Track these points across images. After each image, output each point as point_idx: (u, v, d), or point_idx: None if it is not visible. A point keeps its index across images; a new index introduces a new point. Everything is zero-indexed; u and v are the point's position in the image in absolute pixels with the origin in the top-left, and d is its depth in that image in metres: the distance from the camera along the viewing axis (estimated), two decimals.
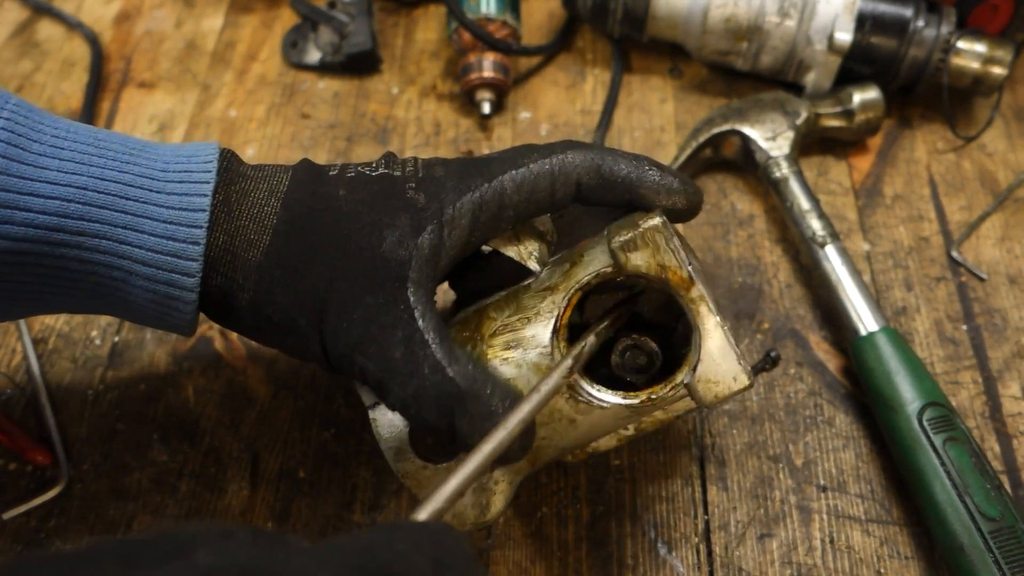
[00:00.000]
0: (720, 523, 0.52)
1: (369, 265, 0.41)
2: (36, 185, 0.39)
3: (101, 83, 0.74)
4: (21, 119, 0.41)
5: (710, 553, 0.51)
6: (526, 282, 0.44)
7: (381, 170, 0.43)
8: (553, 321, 0.42)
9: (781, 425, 0.55)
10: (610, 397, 0.41)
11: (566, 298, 0.42)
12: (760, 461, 0.54)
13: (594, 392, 0.41)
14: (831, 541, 0.51)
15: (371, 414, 0.44)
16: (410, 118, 0.71)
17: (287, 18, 0.78)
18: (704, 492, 0.53)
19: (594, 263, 0.42)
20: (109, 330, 0.60)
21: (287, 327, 0.42)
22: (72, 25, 0.78)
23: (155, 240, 0.41)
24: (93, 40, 0.76)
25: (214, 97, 0.73)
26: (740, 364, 0.39)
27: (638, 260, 0.40)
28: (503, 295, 0.44)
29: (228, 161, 0.44)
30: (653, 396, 0.41)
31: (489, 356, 0.42)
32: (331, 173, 0.44)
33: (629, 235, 0.40)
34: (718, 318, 0.39)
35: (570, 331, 0.43)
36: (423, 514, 0.34)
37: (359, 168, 0.44)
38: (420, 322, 0.40)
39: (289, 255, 0.41)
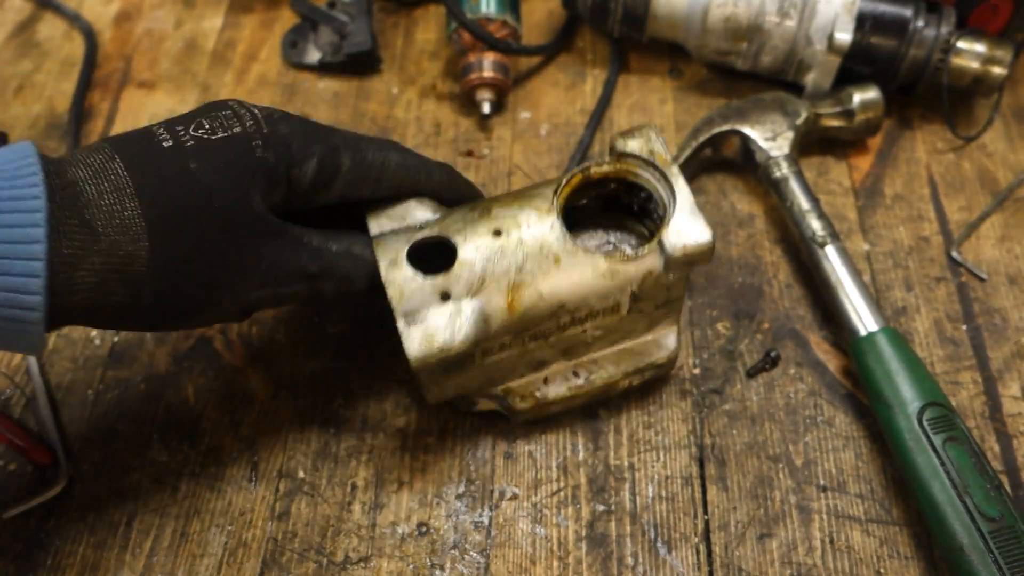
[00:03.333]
0: (720, 523, 0.52)
1: (250, 224, 0.43)
2: None
3: (101, 83, 0.74)
4: None
5: (710, 553, 0.51)
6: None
7: (220, 133, 0.43)
8: (554, 188, 0.50)
9: (781, 425, 0.55)
10: (592, 243, 0.55)
11: (565, 179, 0.50)
12: (760, 461, 0.54)
13: (580, 238, 0.50)
14: (831, 541, 0.51)
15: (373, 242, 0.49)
16: (410, 118, 0.71)
17: (287, 18, 0.78)
18: (704, 492, 0.53)
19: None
20: (109, 330, 0.60)
21: (195, 307, 0.43)
22: (70, 18, 0.78)
23: None
24: (88, 33, 0.77)
25: (214, 97, 0.73)
26: (705, 224, 0.48)
27: (633, 145, 0.50)
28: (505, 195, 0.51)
29: (48, 172, 0.39)
30: (628, 251, 0.47)
31: (493, 211, 0.49)
32: (167, 144, 0.42)
33: (628, 130, 0.51)
34: (689, 188, 0.49)
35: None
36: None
37: (195, 133, 0.43)
38: (311, 238, 0.46)
39: (176, 255, 0.41)
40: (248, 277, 0.44)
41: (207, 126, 0.43)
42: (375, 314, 0.58)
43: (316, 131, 0.46)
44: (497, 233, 0.48)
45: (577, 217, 0.54)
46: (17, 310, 0.38)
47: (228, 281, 0.43)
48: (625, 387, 0.54)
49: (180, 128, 0.43)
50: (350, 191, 0.47)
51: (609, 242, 0.55)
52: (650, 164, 0.50)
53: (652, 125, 0.52)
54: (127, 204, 0.40)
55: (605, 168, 0.51)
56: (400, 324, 0.46)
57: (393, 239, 0.48)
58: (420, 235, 0.48)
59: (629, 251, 0.48)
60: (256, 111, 0.45)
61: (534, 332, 0.49)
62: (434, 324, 0.46)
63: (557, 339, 0.51)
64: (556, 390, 0.53)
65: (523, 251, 0.47)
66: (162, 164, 0.41)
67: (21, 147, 0.40)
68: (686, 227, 0.47)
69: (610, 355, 0.53)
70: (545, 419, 0.55)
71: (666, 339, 0.54)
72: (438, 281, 0.47)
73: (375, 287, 0.48)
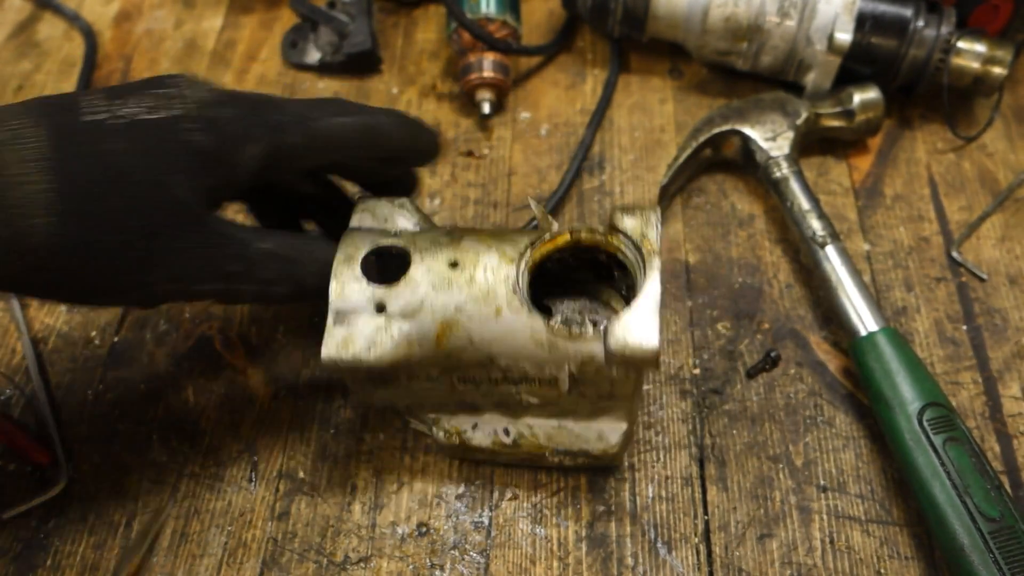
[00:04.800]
0: (720, 523, 0.52)
1: (168, 212, 0.41)
2: None
3: (101, 83, 0.74)
4: None
5: (710, 553, 0.51)
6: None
7: (154, 114, 0.41)
8: (531, 240, 0.48)
9: (781, 425, 0.55)
10: (566, 308, 0.52)
11: (549, 235, 0.48)
12: (760, 461, 0.54)
13: (527, 295, 0.46)
14: (831, 541, 0.51)
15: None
16: None
17: (287, 18, 0.78)
18: (704, 492, 0.53)
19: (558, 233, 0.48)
20: (109, 330, 0.60)
21: (96, 290, 0.42)
22: (70, 18, 0.78)
23: None
24: (88, 33, 0.77)
25: None
26: (656, 330, 0.43)
27: (628, 223, 0.47)
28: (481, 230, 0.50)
29: None
30: (570, 327, 0.45)
31: (463, 242, 0.47)
32: (95, 118, 0.40)
33: (632, 206, 0.48)
34: (659, 289, 0.45)
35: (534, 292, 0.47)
36: None
37: (129, 109, 0.41)
38: (236, 234, 0.44)
39: (78, 235, 0.39)
40: (155, 268, 0.42)
41: (146, 104, 0.41)
42: None
43: (264, 109, 0.45)
44: (454, 264, 0.46)
45: (564, 277, 0.52)
46: None
47: (132, 269, 0.41)
48: (555, 463, 0.51)
49: (118, 102, 0.41)
50: (310, 163, 0.47)
51: (582, 312, 0.53)
52: (636, 248, 0.47)
53: (657, 209, 0.48)
54: (34, 177, 0.38)
55: (597, 238, 0.48)
56: (328, 320, 0.46)
57: (362, 237, 0.48)
58: (385, 241, 0.48)
59: (575, 328, 0.45)
60: (204, 92, 0.43)
61: (462, 375, 0.47)
62: (358, 331, 0.45)
63: (488, 390, 0.48)
64: (482, 439, 0.51)
65: (469, 291, 0.45)
66: (84, 140, 0.40)
67: None
68: (637, 325, 0.43)
69: (548, 427, 0.50)
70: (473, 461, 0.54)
71: (610, 433, 0.50)
72: (379, 291, 0.46)
73: (320, 293, 0.46)
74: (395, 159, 0.51)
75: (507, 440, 0.50)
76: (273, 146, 0.44)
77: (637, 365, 0.44)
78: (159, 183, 0.41)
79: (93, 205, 0.39)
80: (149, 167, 0.41)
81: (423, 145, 0.51)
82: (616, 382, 0.46)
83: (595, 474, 0.54)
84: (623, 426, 0.50)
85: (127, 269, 0.41)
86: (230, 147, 0.43)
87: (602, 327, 0.45)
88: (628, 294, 0.50)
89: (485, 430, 0.51)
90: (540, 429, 0.50)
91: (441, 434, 0.51)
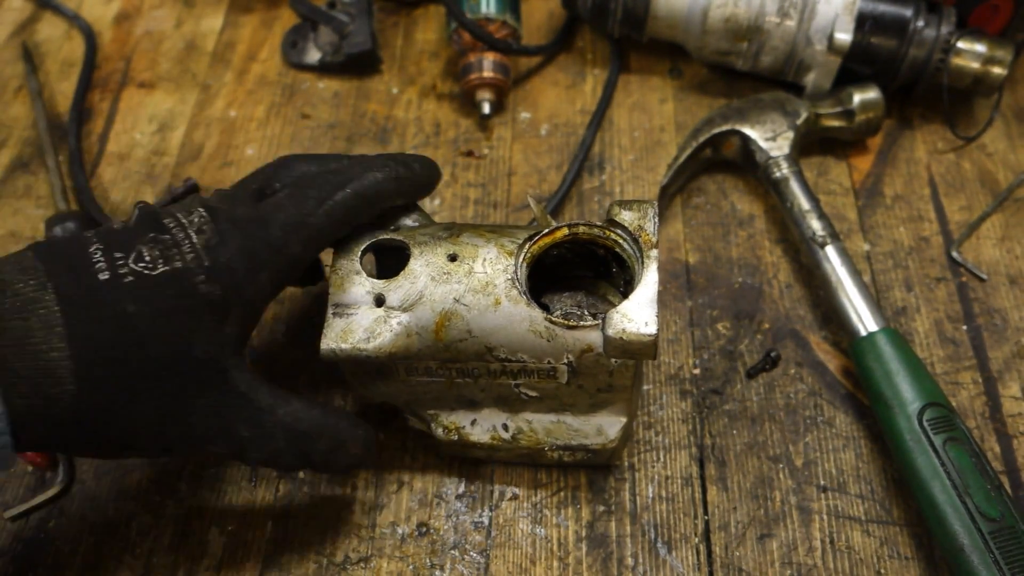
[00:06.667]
0: (720, 523, 0.52)
1: (187, 374, 0.41)
2: None
3: (101, 83, 0.74)
4: None
5: (710, 553, 0.51)
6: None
7: (161, 267, 0.40)
8: (530, 234, 0.48)
9: (781, 425, 0.55)
10: (563, 300, 0.52)
11: (547, 229, 0.48)
12: (760, 461, 0.54)
13: (525, 287, 0.46)
14: (831, 541, 0.51)
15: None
16: (410, 118, 0.71)
17: (287, 18, 0.78)
18: (704, 492, 0.53)
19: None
20: None
21: (114, 451, 0.42)
22: (70, 18, 0.78)
23: None
24: (88, 33, 0.77)
25: (214, 97, 0.73)
26: (655, 319, 0.44)
27: (626, 216, 0.48)
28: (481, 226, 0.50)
29: None
30: (569, 320, 0.46)
31: (462, 236, 0.48)
32: (103, 278, 0.39)
33: (629, 201, 0.49)
34: (657, 279, 0.45)
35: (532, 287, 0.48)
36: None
37: (134, 266, 0.40)
38: (255, 396, 0.43)
39: (100, 402, 0.39)
40: (172, 427, 0.42)
41: (147, 257, 0.40)
42: None
43: (256, 235, 0.43)
44: (452, 258, 0.47)
45: (563, 275, 0.53)
46: None
47: (151, 430, 0.41)
48: (554, 459, 0.51)
49: (119, 256, 0.40)
50: (314, 255, 0.46)
51: (580, 307, 0.52)
52: (634, 240, 0.47)
53: (654, 202, 0.49)
54: (55, 345, 0.38)
55: (595, 232, 0.48)
56: (328, 312, 0.46)
57: (361, 232, 0.49)
58: (383, 235, 0.48)
59: (573, 319, 0.46)
60: (202, 227, 0.42)
61: (462, 368, 0.47)
62: (358, 323, 0.46)
63: (487, 384, 0.48)
64: (480, 435, 0.50)
65: (468, 283, 0.46)
66: (96, 303, 0.39)
67: None
68: (636, 314, 0.44)
69: (546, 421, 0.50)
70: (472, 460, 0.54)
71: (609, 427, 0.50)
72: (378, 284, 0.47)
73: (328, 468, 0.47)
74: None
75: (506, 435, 0.50)
76: (279, 266, 0.44)
77: (635, 353, 0.44)
78: (178, 345, 0.40)
79: (112, 374, 0.39)
80: (166, 329, 0.40)
81: (420, 186, 0.51)
82: (615, 373, 0.46)
83: (595, 473, 0.54)
84: (622, 420, 0.50)
85: (146, 430, 0.41)
86: (241, 287, 0.42)
87: (600, 317, 0.45)
88: (626, 289, 0.51)
89: (484, 426, 0.51)
90: (539, 424, 0.50)
91: (440, 430, 0.51)
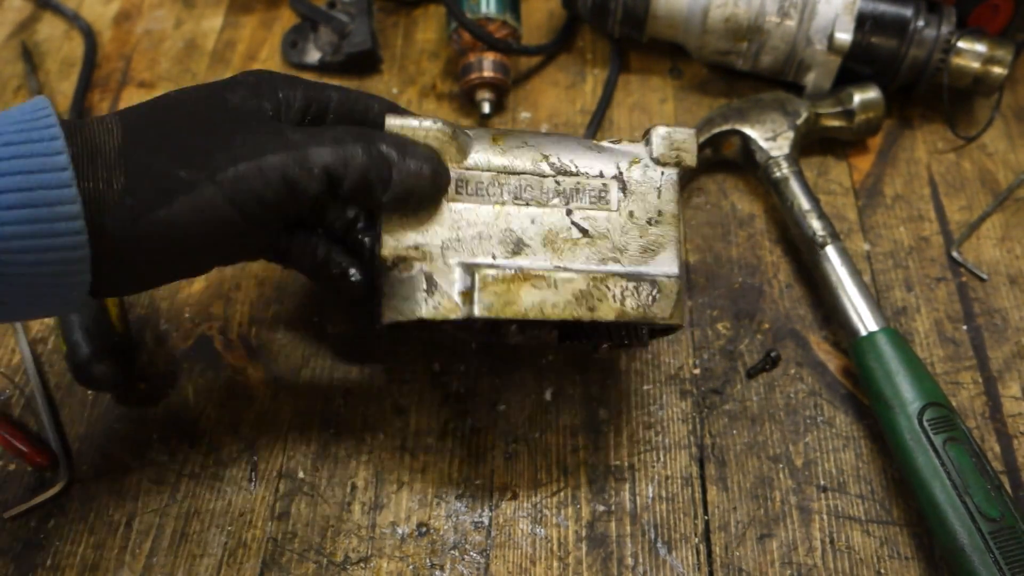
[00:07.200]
0: (720, 523, 0.52)
1: (234, 118, 0.45)
2: None
3: (101, 83, 0.74)
4: None
5: (710, 553, 0.51)
6: None
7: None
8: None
9: (781, 425, 0.55)
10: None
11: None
12: (760, 461, 0.54)
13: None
14: (831, 541, 0.51)
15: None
16: None
17: (287, 18, 0.78)
18: (704, 492, 0.53)
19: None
20: None
21: (171, 187, 0.42)
22: (70, 18, 0.78)
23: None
24: (88, 33, 0.77)
25: None
26: (694, 132, 0.51)
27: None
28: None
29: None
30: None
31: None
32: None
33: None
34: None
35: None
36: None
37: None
38: (295, 136, 0.44)
39: (142, 137, 0.43)
40: (220, 151, 0.43)
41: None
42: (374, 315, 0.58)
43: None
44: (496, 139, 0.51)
45: None
46: (60, 249, 0.39)
47: (198, 156, 0.43)
48: (614, 310, 0.47)
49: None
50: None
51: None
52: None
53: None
54: (110, 118, 0.43)
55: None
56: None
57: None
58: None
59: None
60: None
61: (515, 186, 0.48)
62: (421, 294, 0.46)
63: (539, 214, 0.48)
64: (529, 297, 0.46)
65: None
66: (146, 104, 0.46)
67: (36, 101, 0.42)
68: (678, 130, 0.50)
69: (595, 271, 0.48)
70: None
71: (668, 265, 0.49)
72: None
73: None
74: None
75: (551, 291, 0.47)
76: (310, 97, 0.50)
77: (680, 148, 0.50)
78: (215, 100, 0.46)
79: (153, 115, 0.45)
80: (202, 98, 0.46)
81: (403, 190, 0.47)
82: (662, 189, 0.50)
83: (595, 473, 0.54)
84: (675, 269, 0.49)
85: (192, 157, 0.43)
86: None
87: (644, 136, 0.51)
88: None
89: (528, 284, 0.47)
90: (587, 273, 0.48)
91: (477, 290, 0.46)
